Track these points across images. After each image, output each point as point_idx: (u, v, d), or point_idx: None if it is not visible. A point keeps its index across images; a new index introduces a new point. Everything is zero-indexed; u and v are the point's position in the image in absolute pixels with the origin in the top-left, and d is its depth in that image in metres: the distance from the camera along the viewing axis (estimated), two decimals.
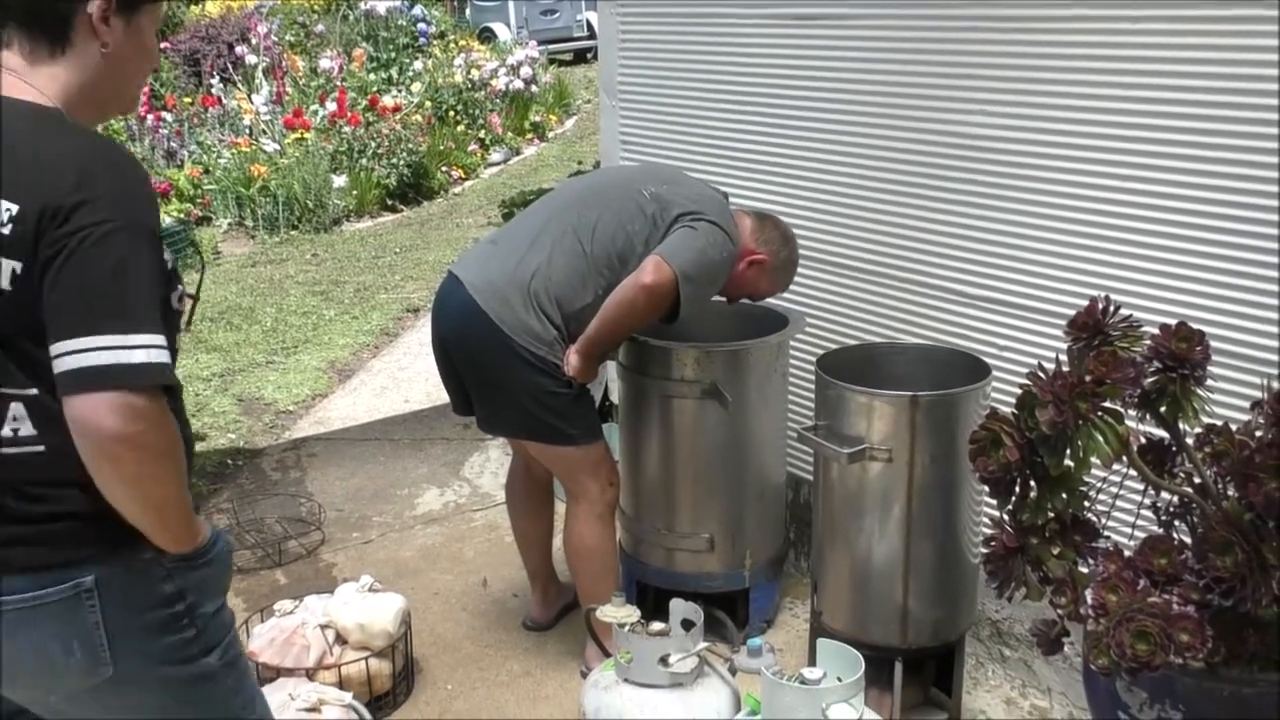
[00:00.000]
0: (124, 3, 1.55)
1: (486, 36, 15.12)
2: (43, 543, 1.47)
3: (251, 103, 9.65)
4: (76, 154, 1.47)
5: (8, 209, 1.42)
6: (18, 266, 1.42)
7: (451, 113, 10.73)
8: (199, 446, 4.71)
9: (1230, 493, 1.94)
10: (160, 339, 1.43)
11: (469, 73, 11.22)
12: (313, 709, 2.46)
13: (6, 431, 1.44)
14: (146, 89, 10.17)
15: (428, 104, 10.49)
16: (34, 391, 1.44)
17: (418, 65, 11.40)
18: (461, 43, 12.70)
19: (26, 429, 1.45)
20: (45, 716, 1.61)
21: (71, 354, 1.39)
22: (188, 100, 10.26)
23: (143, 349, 1.41)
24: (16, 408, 1.44)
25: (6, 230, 1.41)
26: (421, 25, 12.18)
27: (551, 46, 15.17)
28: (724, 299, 3.03)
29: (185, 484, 1.54)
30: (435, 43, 12.38)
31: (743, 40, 3.41)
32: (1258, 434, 1.95)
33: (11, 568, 1.46)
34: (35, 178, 1.43)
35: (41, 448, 1.45)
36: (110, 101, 1.64)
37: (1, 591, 1.46)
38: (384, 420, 4.93)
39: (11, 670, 1.51)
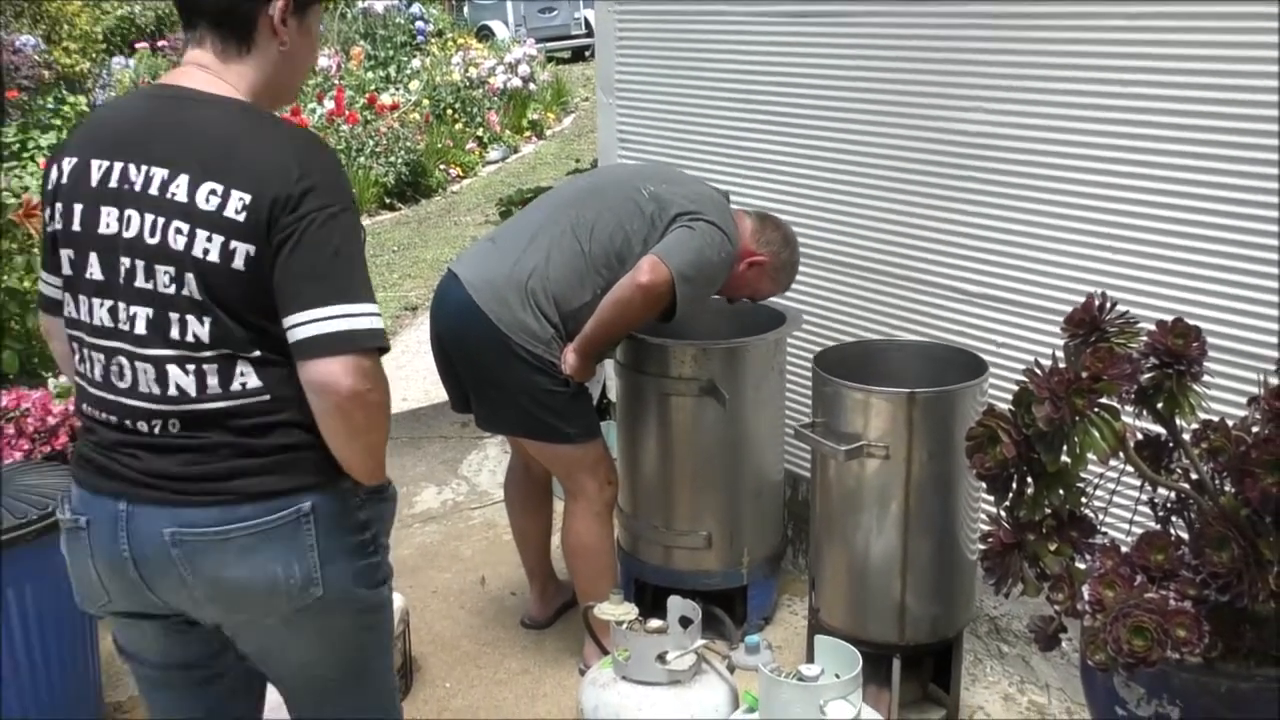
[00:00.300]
0: (298, 4, 1.73)
1: (484, 34, 15.11)
2: (269, 473, 1.68)
3: None
4: (293, 146, 1.67)
5: (240, 198, 1.60)
6: (250, 249, 1.61)
7: (449, 111, 10.73)
8: None
9: (1227, 488, 1.94)
10: (376, 307, 1.66)
11: (467, 71, 11.22)
12: None
13: (236, 385, 1.66)
14: None
15: (425, 102, 10.49)
16: (257, 353, 1.67)
17: (416, 63, 11.40)
18: (459, 41, 12.69)
19: (253, 382, 1.67)
20: (246, 649, 1.81)
21: (307, 324, 1.60)
22: None
23: (366, 316, 1.63)
24: (243, 365, 1.66)
25: (241, 217, 1.60)
26: (419, 23, 12.19)
27: (549, 44, 15.18)
28: (724, 299, 3.03)
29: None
30: (433, 41, 12.38)
31: (740, 38, 3.41)
32: (1254, 430, 1.95)
33: (244, 496, 1.67)
34: (263, 170, 1.62)
35: (266, 396, 1.67)
36: (283, 94, 1.82)
37: (235, 520, 1.66)
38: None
39: (239, 594, 1.70)
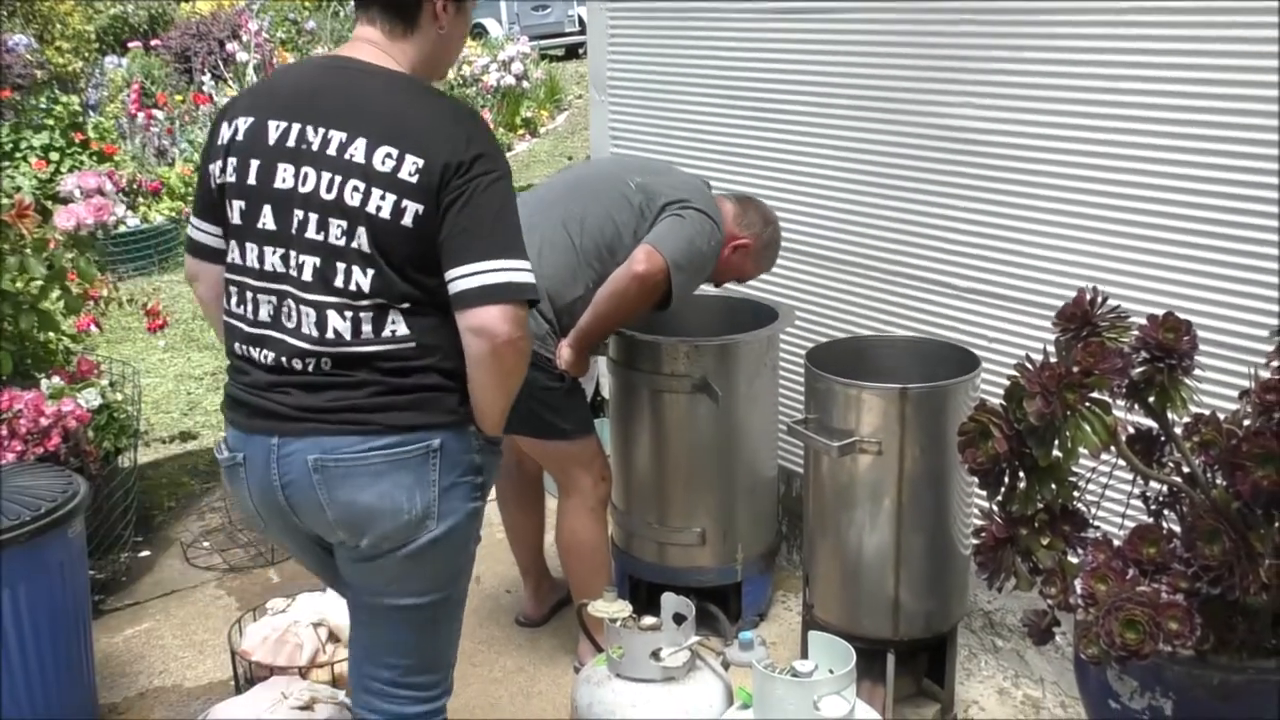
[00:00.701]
0: None
1: (478, 32, 15.07)
2: (408, 409, 1.87)
3: None
4: (456, 116, 1.89)
5: (414, 162, 1.80)
6: (420, 208, 1.81)
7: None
8: (191, 445, 4.71)
9: (1218, 482, 1.94)
10: (528, 264, 1.86)
11: (460, 69, 11.18)
12: (305, 707, 2.46)
13: (387, 332, 1.85)
14: (137, 86, 10.15)
15: None
16: (407, 305, 1.86)
17: None
18: None
19: (401, 330, 1.86)
20: (354, 577, 1.99)
21: (471, 275, 1.80)
22: (179, 98, 10.23)
23: (522, 271, 1.84)
24: (395, 314, 1.85)
25: (414, 179, 1.80)
26: None
27: (543, 42, 15.14)
28: (711, 284, 3.03)
29: None
30: None
31: (731, 34, 3.41)
32: (1245, 423, 1.95)
33: (384, 428, 1.86)
34: (433, 137, 1.82)
35: (412, 344, 1.86)
36: (439, 69, 2.05)
37: (372, 447, 1.85)
38: None
39: (367, 517, 1.88)
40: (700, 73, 3.54)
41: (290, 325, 1.88)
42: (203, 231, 2.01)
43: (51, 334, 3.56)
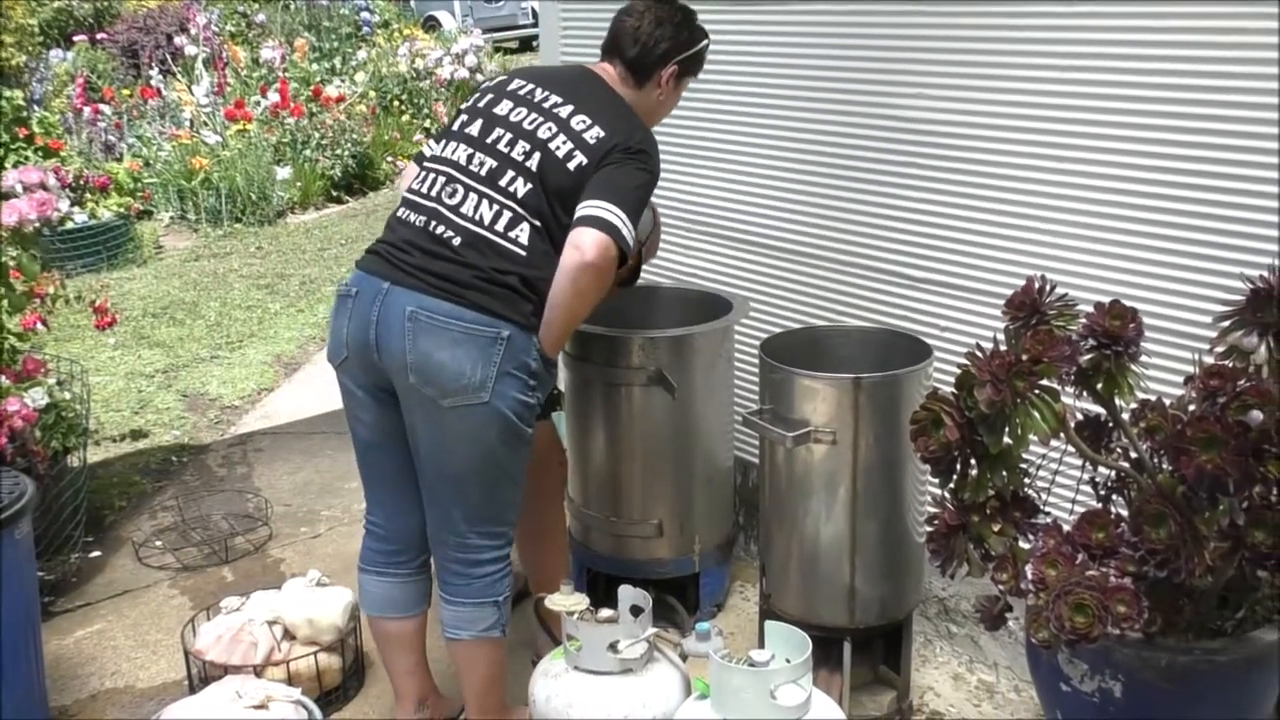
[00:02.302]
0: (681, 74, 2.64)
1: (431, 25, 14.98)
2: (496, 298, 2.32)
3: (192, 94, 9.49)
4: (638, 124, 2.51)
5: (598, 132, 2.42)
6: (585, 161, 2.39)
7: (396, 102, 10.63)
8: (142, 444, 4.65)
9: (1164, 466, 1.97)
10: (634, 233, 2.38)
11: (413, 62, 11.10)
12: (260, 706, 2.44)
13: (513, 234, 2.36)
14: (82, 80, 10.00)
15: (372, 94, 10.38)
16: (538, 224, 2.37)
17: (361, 55, 11.26)
18: (406, 32, 12.56)
19: (524, 239, 2.36)
20: (416, 424, 2.37)
21: (594, 205, 2.34)
22: (126, 92, 10.08)
23: (628, 228, 2.35)
24: (526, 224, 2.37)
25: (593, 142, 2.40)
26: (365, 14, 12.04)
27: (496, 35, 15.08)
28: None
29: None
30: (379, 32, 12.24)
31: None
32: (1190, 408, 1.98)
33: (472, 305, 2.30)
34: (618, 126, 2.45)
35: (523, 253, 2.35)
36: (645, 120, 2.60)
37: (459, 317, 2.29)
38: (332, 413, 4.86)
39: (437, 370, 2.29)
40: None
41: (451, 202, 2.40)
42: (427, 148, 2.60)
43: None
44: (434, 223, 2.38)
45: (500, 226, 2.35)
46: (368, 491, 2.61)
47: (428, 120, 10.90)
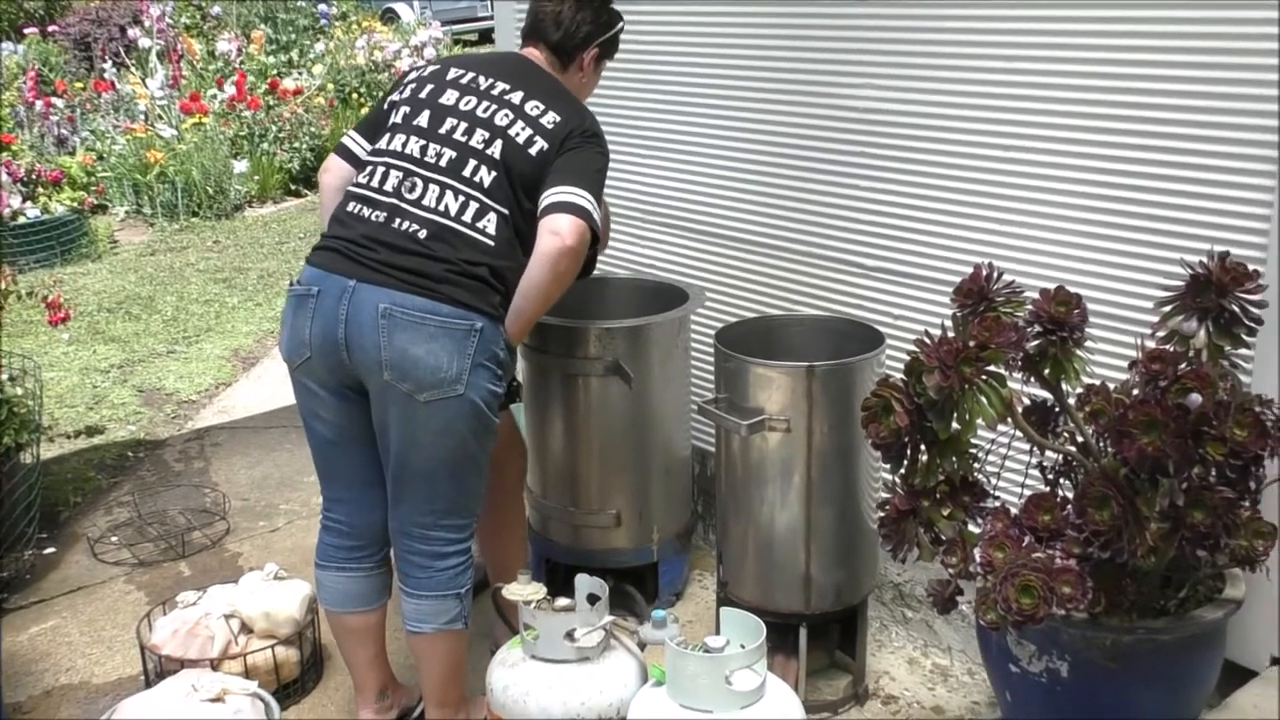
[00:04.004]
0: (600, 56, 2.67)
1: (389, 17, 14.87)
2: (468, 290, 2.33)
3: (146, 88, 9.38)
4: (579, 105, 2.55)
5: (554, 117, 2.44)
6: (545, 146, 2.41)
7: (355, 95, 10.54)
8: (97, 440, 4.61)
9: (1109, 450, 2.01)
10: (599, 214, 2.40)
11: (372, 54, 11.02)
12: (216, 699, 2.43)
13: (480, 224, 2.37)
14: (33, 73, 9.85)
15: (330, 87, 10.30)
16: (505, 211, 2.39)
17: (319, 47, 11.18)
18: (363, 24, 12.46)
19: (490, 229, 2.38)
20: (388, 419, 2.37)
21: (562, 191, 2.36)
22: (79, 85, 9.95)
23: (594, 209, 2.37)
24: (493, 214, 2.38)
25: (550, 127, 2.43)
26: (322, 6, 11.95)
27: (455, 27, 15.00)
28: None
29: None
30: (337, 24, 12.15)
31: (634, 19, 3.41)
32: (1135, 393, 2.02)
33: (446, 299, 2.30)
34: (570, 110, 2.48)
35: (491, 243, 2.37)
36: None
37: (434, 312, 2.29)
38: (290, 407, 4.82)
39: (412, 366, 2.29)
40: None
41: (411, 196, 2.38)
42: (355, 143, 2.58)
43: None
44: (396, 218, 2.36)
45: (468, 217, 2.36)
46: (326, 489, 2.59)
47: None
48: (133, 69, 10.12)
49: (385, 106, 2.54)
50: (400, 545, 2.51)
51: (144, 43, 10.19)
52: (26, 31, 11.78)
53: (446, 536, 2.47)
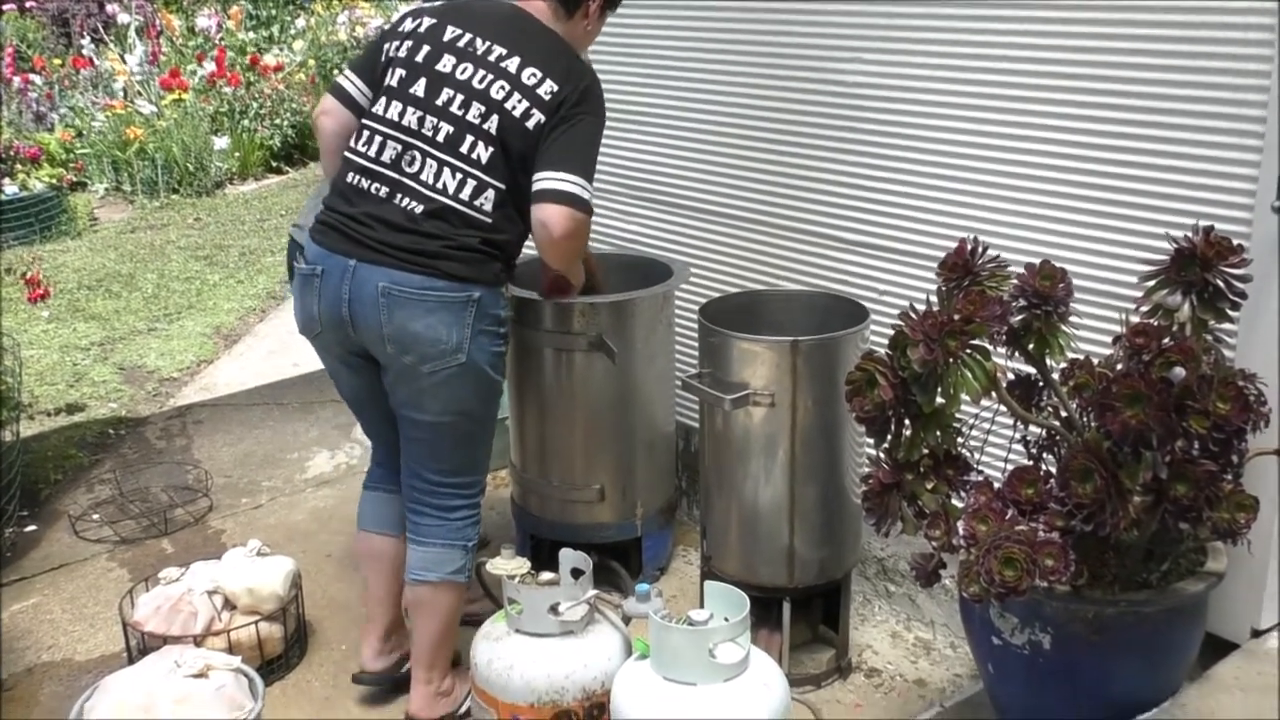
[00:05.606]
0: (605, 4, 2.59)
1: None
2: (465, 264, 2.39)
3: (125, 64, 9.29)
4: (575, 59, 2.51)
5: (551, 86, 2.41)
6: (541, 119, 2.40)
7: (336, 71, 10.47)
8: (78, 417, 4.58)
9: (1092, 424, 2.01)
10: (590, 185, 2.41)
11: (353, 30, 10.92)
12: (200, 674, 2.42)
13: (478, 201, 2.40)
14: (11, 49, 9.75)
15: (311, 63, 10.21)
16: (502, 187, 2.42)
17: (300, 23, 11.08)
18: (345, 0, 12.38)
19: (487, 206, 2.41)
20: (395, 388, 2.47)
21: (551, 178, 2.37)
22: (57, 62, 9.84)
23: (586, 190, 2.39)
24: (490, 190, 2.41)
25: (547, 97, 2.41)
26: None
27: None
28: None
29: None
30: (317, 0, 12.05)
31: None
32: (1118, 367, 2.02)
33: (443, 274, 2.37)
34: (566, 74, 2.44)
35: (487, 219, 2.41)
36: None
37: (432, 288, 2.36)
38: (272, 384, 4.84)
39: (414, 340, 2.38)
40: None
41: (410, 170, 2.41)
42: (353, 84, 2.56)
43: None
44: (397, 194, 2.40)
45: (466, 195, 2.39)
46: (363, 427, 2.79)
47: None
48: (111, 45, 10.02)
49: (383, 58, 2.51)
50: (410, 496, 2.59)
51: (123, 18, 10.08)
52: (4, 8, 11.63)
53: (455, 493, 2.57)
